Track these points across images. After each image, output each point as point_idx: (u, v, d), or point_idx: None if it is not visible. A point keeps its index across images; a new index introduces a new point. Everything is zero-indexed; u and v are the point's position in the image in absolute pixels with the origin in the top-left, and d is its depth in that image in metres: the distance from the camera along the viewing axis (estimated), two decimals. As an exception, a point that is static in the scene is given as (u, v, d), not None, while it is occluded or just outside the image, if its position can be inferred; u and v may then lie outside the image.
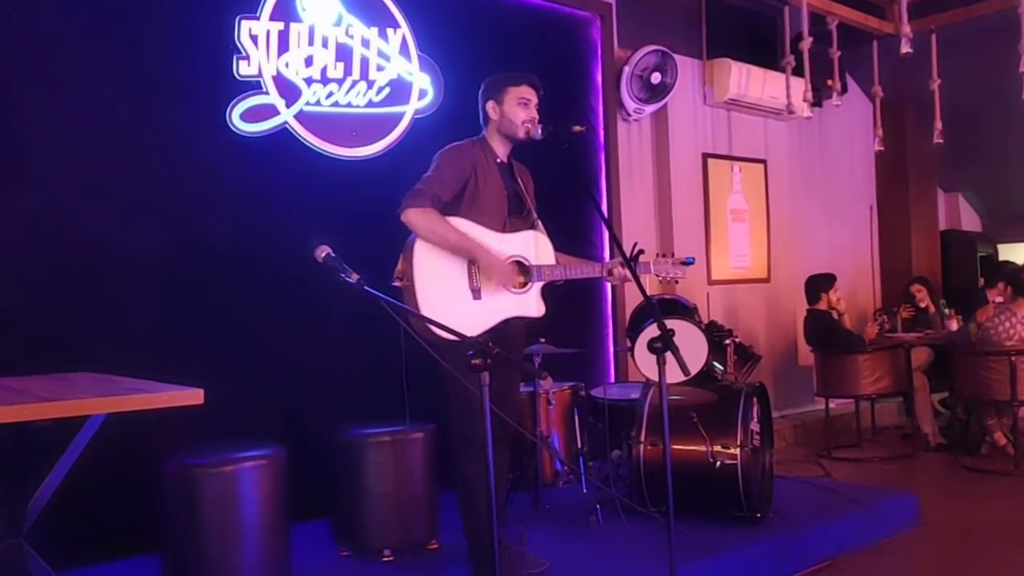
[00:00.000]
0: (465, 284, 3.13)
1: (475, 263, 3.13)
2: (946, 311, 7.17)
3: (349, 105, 4.44)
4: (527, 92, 3.28)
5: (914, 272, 8.20)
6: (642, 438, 4.05)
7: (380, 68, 4.55)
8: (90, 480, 2.99)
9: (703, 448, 3.93)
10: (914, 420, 6.63)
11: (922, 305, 7.39)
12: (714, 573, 3.47)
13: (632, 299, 5.48)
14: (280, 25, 4.21)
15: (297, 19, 4.27)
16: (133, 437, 3.02)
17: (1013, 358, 5.61)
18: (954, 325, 6.89)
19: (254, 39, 4.13)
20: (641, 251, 3.18)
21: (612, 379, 5.67)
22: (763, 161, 7.21)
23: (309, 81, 4.31)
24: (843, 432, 6.71)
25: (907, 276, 8.07)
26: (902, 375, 6.41)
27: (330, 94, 4.37)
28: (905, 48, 6.04)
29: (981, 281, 7.75)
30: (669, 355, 2.78)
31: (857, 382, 6.24)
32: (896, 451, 6.44)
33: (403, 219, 3.10)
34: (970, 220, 9.90)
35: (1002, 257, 9.37)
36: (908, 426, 6.91)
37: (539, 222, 3.33)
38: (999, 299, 6.31)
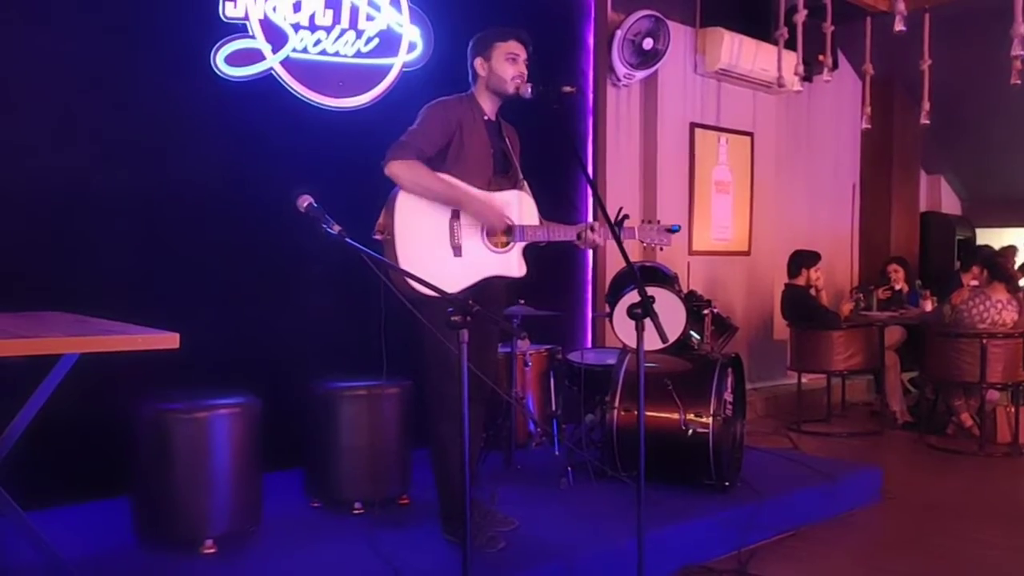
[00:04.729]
0: (446, 241, 3.11)
1: (459, 217, 3.11)
2: (921, 292, 7.25)
3: (337, 54, 4.37)
4: (515, 47, 3.23)
5: (892, 252, 8.26)
6: (616, 403, 4.08)
7: (370, 18, 4.47)
8: (62, 421, 2.96)
9: (676, 416, 3.96)
10: (883, 397, 6.73)
11: (896, 287, 7.45)
12: (681, 538, 3.51)
13: (613, 265, 5.49)
14: (269, -32, 4.12)
15: (287, -37, 4.18)
16: (107, 379, 3.00)
17: (984, 341, 5.69)
18: (928, 306, 6.97)
19: (242, -19, 4.04)
20: (626, 216, 3.17)
21: (589, 344, 5.69)
22: (750, 134, 7.20)
23: (296, 27, 4.22)
24: (813, 406, 6.79)
25: (885, 255, 8.14)
26: (874, 353, 6.49)
27: (318, 42, 4.30)
28: (899, 26, 6.02)
29: (957, 264, 7.83)
30: (648, 322, 2.78)
31: (830, 358, 6.31)
32: (864, 427, 6.54)
33: (387, 171, 3.07)
34: (950, 203, 9.98)
35: (980, 241, 9.46)
36: (877, 403, 7.01)
37: (524, 182, 3.31)
38: (974, 283, 6.38)
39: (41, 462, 3.19)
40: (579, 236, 3.26)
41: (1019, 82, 5.79)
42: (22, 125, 3.54)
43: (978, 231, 9.78)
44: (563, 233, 3.32)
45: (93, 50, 3.69)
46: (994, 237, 9.47)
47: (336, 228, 2.62)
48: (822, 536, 3.96)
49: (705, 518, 3.67)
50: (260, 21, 4.10)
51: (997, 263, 6.17)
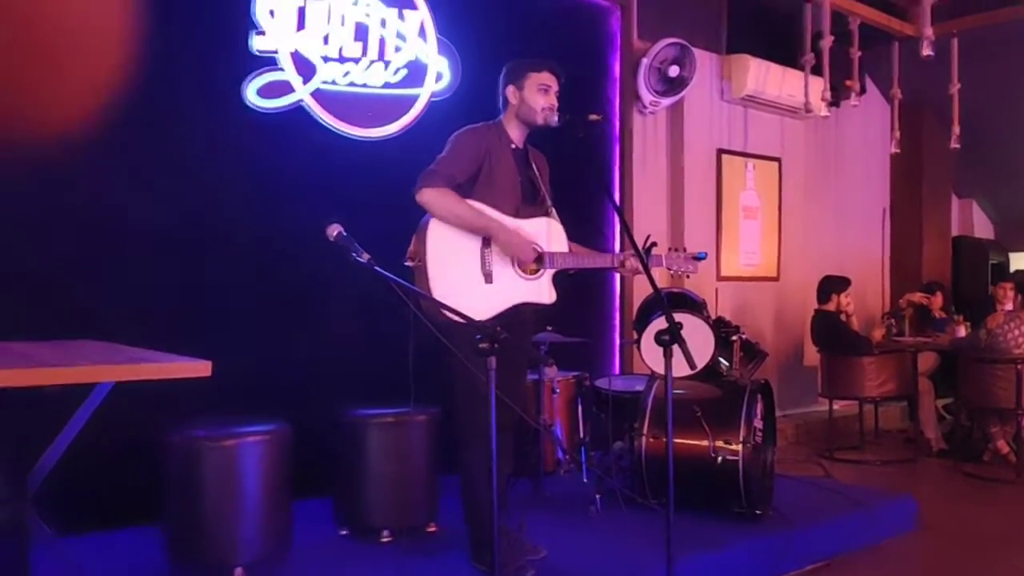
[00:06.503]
0: (478, 267, 3.12)
1: (490, 244, 3.13)
2: (955, 318, 7.15)
3: (365, 85, 4.43)
4: (548, 78, 3.27)
5: (924, 277, 8.17)
6: (645, 430, 4.05)
7: (397, 49, 4.53)
8: (95, 448, 2.99)
9: (705, 443, 3.93)
10: (917, 424, 6.62)
11: (933, 313, 7.35)
12: (712, 567, 3.47)
13: (640, 291, 5.47)
14: (299, 1, 4.20)
15: (317, -4, 4.26)
16: (139, 407, 3.03)
17: (1019, 366, 5.60)
18: (962, 331, 6.86)
19: (271, 14, 4.11)
20: (654, 244, 3.17)
21: (617, 371, 5.67)
22: (778, 159, 7.18)
23: (326, 59, 4.30)
24: (845, 433, 6.70)
25: (917, 281, 8.04)
26: (907, 379, 6.39)
27: (346, 73, 4.36)
28: (926, 51, 6.00)
29: (991, 289, 7.71)
30: (676, 348, 2.78)
31: (862, 384, 6.23)
32: (898, 455, 6.43)
33: (418, 199, 3.10)
34: (983, 227, 9.85)
35: (1014, 266, 9.33)
36: (911, 430, 6.90)
37: (553, 209, 3.33)
38: (1008, 307, 6.28)
39: (76, 489, 3.23)
40: (622, 264, 3.28)
41: (1050, 104, 5.74)
42: (57, 158, 3.62)
43: (1011, 255, 9.65)
44: (593, 260, 3.33)
45: (126, 81, 3.77)
46: (1028, 261, 9.33)
47: (365, 256, 2.65)
48: (857, 566, 3.90)
49: (736, 546, 3.63)
50: (291, 54, 4.18)
51: (1032, 287, 6.08)
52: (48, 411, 2.73)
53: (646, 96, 6.09)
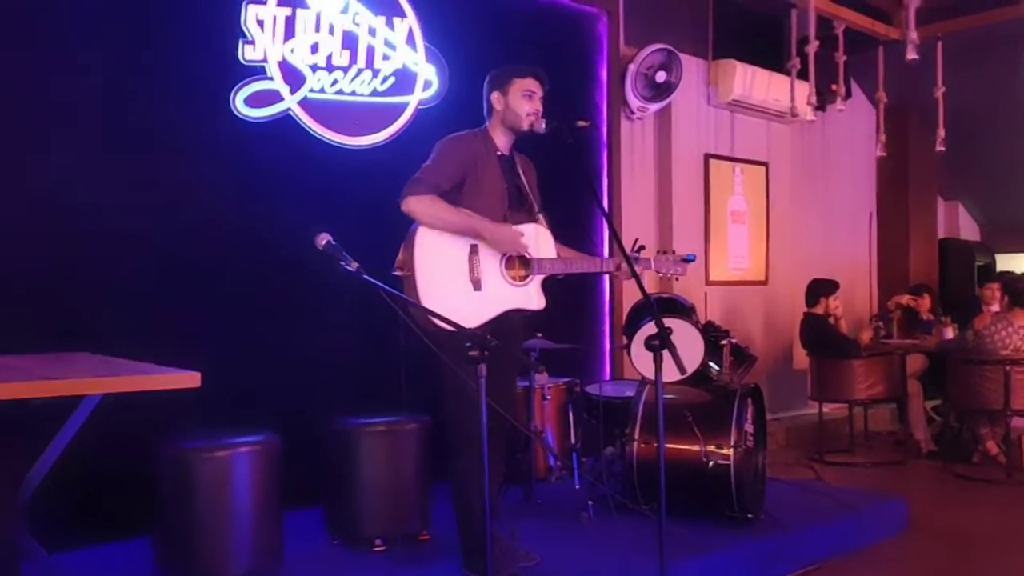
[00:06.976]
0: (466, 275, 3.13)
1: (478, 252, 3.13)
2: (942, 319, 7.19)
3: (354, 93, 4.43)
4: (532, 84, 3.28)
5: (912, 279, 8.21)
6: (636, 436, 4.06)
7: (386, 57, 4.53)
8: (85, 462, 2.98)
9: (697, 447, 3.93)
10: (907, 426, 6.65)
11: (922, 317, 7.39)
12: (704, 572, 3.48)
13: (630, 297, 5.49)
14: (287, 11, 4.20)
15: (304, 5, 4.25)
16: (128, 419, 3.01)
17: (1007, 367, 5.63)
18: (950, 333, 6.90)
19: (260, 24, 4.11)
20: (642, 247, 3.18)
21: (607, 376, 5.67)
22: (765, 163, 7.21)
23: (314, 68, 4.29)
24: (836, 436, 6.72)
25: (905, 283, 8.08)
26: (896, 381, 6.42)
27: (335, 82, 4.36)
28: (911, 55, 6.05)
29: (978, 291, 7.76)
30: (666, 353, 2.78)
31: (851, 387, 6.25)
32: (888, 457, 6.45)
33: (404, 208, 3.10)
34: (969, 229, 9.92)
35: (1000, 267, 9.39)
36: (901, 432, 6.92)
37: (541, 216, 3.33)
38: (995, 308, 6.33)
39: (66, 503, 3.21)
40: (618, 268, 3.29)
41: (1033, 106, 5.79)
42: (46, 170, 3.60)
43: (997, 256, 9.71)
44: (582, 265, 3.33)
45: (114, 94, 3.76)
46: (1014, 262, 9.39)
47: (354, 265, 2.65)
48: (848, 569, 3.91)
49: (728, 551, 3.63)
50: (278, 63, 4.17)
51: (1019, 289, 6.11)
52: (38, 424, 2.72)
53: (633, 102, 6.11)
